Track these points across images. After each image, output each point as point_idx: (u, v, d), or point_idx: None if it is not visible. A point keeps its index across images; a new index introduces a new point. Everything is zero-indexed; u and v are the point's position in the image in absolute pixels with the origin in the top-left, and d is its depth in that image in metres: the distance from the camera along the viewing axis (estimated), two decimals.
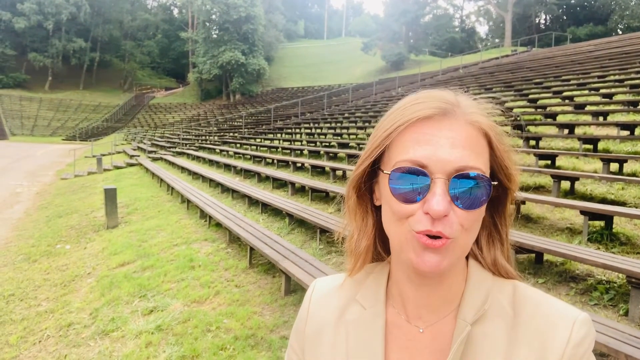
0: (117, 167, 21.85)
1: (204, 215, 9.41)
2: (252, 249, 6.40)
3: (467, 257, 0.74)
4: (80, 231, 10.00)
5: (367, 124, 17.79)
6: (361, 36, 66.67)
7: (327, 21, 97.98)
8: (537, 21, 57.60)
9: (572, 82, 15.41)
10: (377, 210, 0.76)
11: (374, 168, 0.73)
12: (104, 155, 25.46)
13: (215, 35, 53.20)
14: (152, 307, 5.25)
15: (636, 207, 5.85)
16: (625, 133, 8.86)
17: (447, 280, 0.71)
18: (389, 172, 0.67)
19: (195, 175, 15.46)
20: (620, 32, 42.58)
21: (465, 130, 0.66)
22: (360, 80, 44.81)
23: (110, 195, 10.01)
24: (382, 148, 0.70)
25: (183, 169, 17.45)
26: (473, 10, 71.61)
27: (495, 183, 0.69)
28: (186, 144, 25.99)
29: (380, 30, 54.02)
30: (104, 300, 5.71)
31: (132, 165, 22.12)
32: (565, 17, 54.21)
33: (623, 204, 6.14)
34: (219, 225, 8.44)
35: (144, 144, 30.07)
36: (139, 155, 24.25)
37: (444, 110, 0.67)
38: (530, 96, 14.59)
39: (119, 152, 28.62)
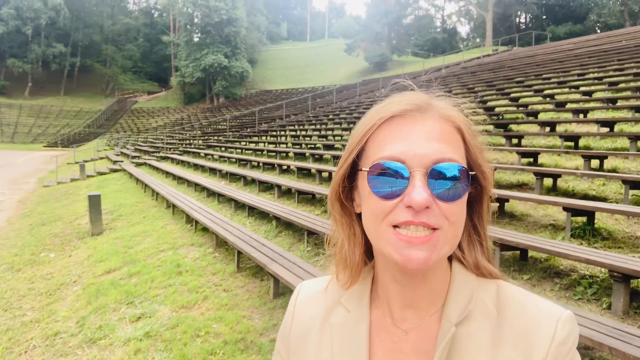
0: (101, 173, 21.61)
1: (190, 220, 9.36)
2: (239, 252, 6.38)
3: (450, 260, 0.75)
4: (64, 239, 9.88)
5: (351, 125, 17.85)
6: (344, 37, 66.78)
7: (309, 23, 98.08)
8: (517, 20, 58.34)
9: (552, 80, 15.64)
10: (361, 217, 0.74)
11: (354, 171, 0.73)
12: (86, 161, 25.18)
13: (197, 39, 52.96)
14: (139, 314, 5.21)
15: (617, 203, 5.96)
16: (605, 130, 9.02)
17: (431, 279, 0.71)
18: (367, 170, 0.67)
19: (180, 179, 15.36)
20: (598, 31, 43.33)
21: (439, 125, 0.68)
22: (344, 81, 44.93)
23: (95, 202, 9.90)
24: (359, 148, 0.71)
25: (167, 173, 17.32)
26: (454, 11, 72.29)
27: (473, 173, 0.69)
28: (170, 149, 25.81)
29: (362, 32, 54.22)
30: (90, 308, 5.65)
31: (115, 171, 21.90)
32: (544, 17, 54.99)
33: (604, 199, 6.26)
34: (205, 229, 8.40)
35: (127, 149, 29.79)
36: (122, 161, 24.00)
37: (417, 106, 0.69)
38: (512, 95, 14.78)
39: (102, 158, 28.31)
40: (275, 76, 61.40)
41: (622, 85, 12.22)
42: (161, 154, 24.21)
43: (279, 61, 67.57)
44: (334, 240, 0.80)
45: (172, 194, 11.77)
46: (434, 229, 0.64)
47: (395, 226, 0.65)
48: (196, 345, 4.31)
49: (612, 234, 5.29)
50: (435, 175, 0.64)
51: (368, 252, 0.78)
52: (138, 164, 22.30)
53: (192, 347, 4.30)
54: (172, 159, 21.82)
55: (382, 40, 51.94)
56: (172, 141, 29.56)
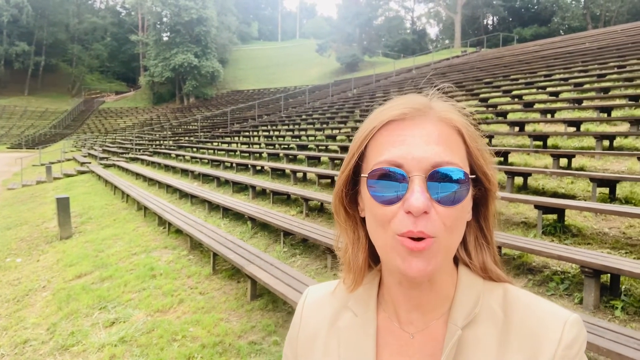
0: (68, 175, 21.06)
1: (162, 222, 9.22)
2: (215, 254, 6.31)
3: (456, 263, 0.75)
4: (31, 243, 9.59)
5: (324, 126, 17.90)
6: (315, 38, 66.83)
7: (280, 23, 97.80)
8: (485, 22, 59.47)
9: (520, 81, 16.00)
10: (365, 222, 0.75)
11: (356, 177, 0.73)
12: (53, 163, 24.49)
13: (166, 38, 52.10)
14: (113, 319, 5.10)
15: (585, 200, 6.14)
16: (572, 129, 9.28)
17: (437, 283, 0.71)
18: (366, 175, 0.67)
19: (151, 181, 15.11)
20: (562, 33, 44.55)
21: (438, 128, 0.67)
22: (316, 81, 44.97)
23: (63, 205, 9.64)
24: (359, 153, 0.71)
25: (138, 175, 17.01)
26: (423, 12, 73.24)
27: (474, 176, 0.69)
28: (140, 150, 25.36)
29: (334, 32, 54.37)
30: (61, 314, 5.49)
31: (83, 172, 21.38)
32: (511, 19, 56.19)
33: (573, 197, 6.44)
34: (179, 232, 8.29)
35: (95, 150, 29.12)
36: (90, 162, 23.46)
37: (416, 110, 0.68)
38: (481, 95, 15.06)
39: (68, 160, 27.59)
40: (246, 76, 60.99)
41: (586, 86, 12.60)
42: (130, 155, 23.76)
43: (250, 61, 67.16)
44: (340, 244, 0.80)
45: (143, 195, 11.56)
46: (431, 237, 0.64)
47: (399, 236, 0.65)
48: (173, 350, 4.25)
49: (581, 230, 5.45)
50: (434, 179, 0.64)
51: (374, 256, 0.78)
52: (107, 166, 21.83)
53: (169, 351, 4.23)
54: (142, 160, 21.43)
55: (354, 41, 52.20)
56: (141, 142, 29.03)
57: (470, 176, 0.67)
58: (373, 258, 0.79)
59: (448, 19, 58.72)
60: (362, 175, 0.70)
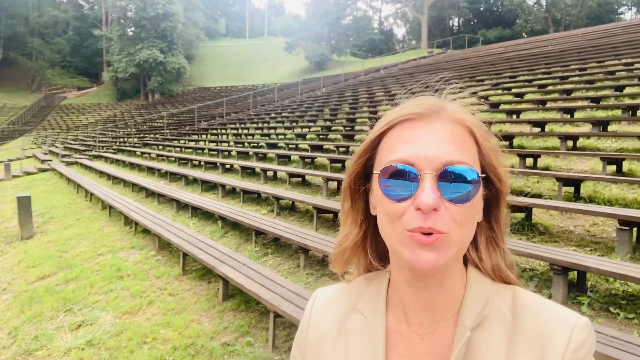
0: (28, 173, 20.31)
1: (128, 221, 9.00)
2: (185, 254, 6.20)
3: (466, 264, 0.75)
4: None
5: (294, 124, 17.83)
6: (284, 36, 66.46)
7: (248, 20, 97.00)
8: (450, 24, 60.50)
9: (486, 82, 16.32)
10: (373, 219, 0.76)
11: (368, 174, 0.74)
12: (11, 160, 23.53)
13: (131, 33, 50.87)
14: (79, 322, 4.93)
15: (551, 199, 6.31)
16: (537, 130, 9.52)
17: (446, 283, 0.71)
18: (378, 172, 0.68)
19: (115, 179, 14.74)
20: (525, 35, 45.78)
21: (450, 128, 0.68)
22: (284, 79, 44.79)
23: (24, 204, 9.28)
24: (371, 151, 0.73)
25: (102, 173, 16.57)
26: (391, 13, 74.05)
27: (484, 176, 0.69)
28: (103, 147, 24.71)
29: (302, 31, 54.29)
30: (24, 317, 5.28)
31: (44, 170, 20.66)
32: (476, 21, 57.36)
33: (539, 196, 6.61)
34: (146, 231, 8.11)
35: (56, 147, 28.20)
36: (51, 160, 22.71)
37: (428, 110, 0.69)
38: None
39: (28, 157, 26.60)
40: (213, 73, 60.20)
41: (550, 87, 12.96)
42: (94, 153, 23.13)
43: (217, 58, 66.31)
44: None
45: (108, 194, 11.26)
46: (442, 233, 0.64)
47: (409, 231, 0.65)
48: (143, 353, 4.14)
49: (547, 228, 5.59)
50: (444, 177, 0.64)
51: (381, 256, 0.80)
52: (69, 163, 21.17)
53: (139, 354, 4.12)
54: (106, 158, 20.90)
55: (322, 39, 52.28)
56: (105, 139, 28.30)
57: (481, 175, 0.68)
58: (380, 259, 0.81)
59: (415, 20, 59.46)
60: (374, 172, 0.71)
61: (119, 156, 20.19)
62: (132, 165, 17.01)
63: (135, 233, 8.44)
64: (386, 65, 31.68)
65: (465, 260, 0.75)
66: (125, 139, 26.77)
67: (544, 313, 0.70)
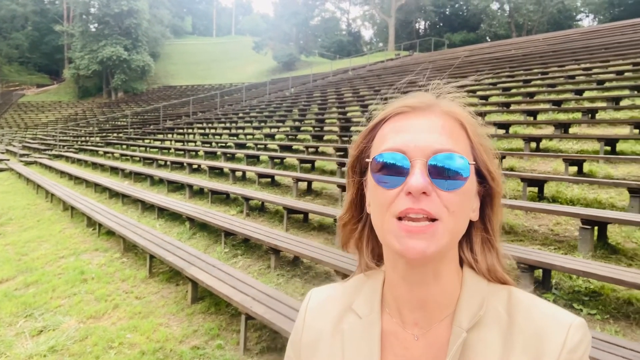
0: None
1: (92, 223, 8.74)
2: (152, 256, 6.06)
3: (461, 265, 0.74)
4: None
5: (263, 124, 17.72)
6: (252, 35, 65.97)
7: (215, 18, 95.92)
8: (417, 27, 61.33)
9: (452, 84, 16.59)
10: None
11: (363, 169, 0.75)
12: None
13: (94, 29, 49.50)
14: (41, 327, 4.74)
15: (516, 199, 6.45)
16: (502, 132, 9.74)
17: (442, 279, 0.70)
18: (370, 160, 0.69)
19: (77, 179, 14.31)
20: (489, 39, 46.85)
21: (441, 119, 0.69)
22: (252, 79, 44.48)
23: None
24: (366, 142, 0.74)
25: (63, 173, 16.07)
26: (359, 15, 74.56)
27: (475, 164, 0.70)
28: (64, 146, 23.98)
29: (270, 30, 54.08)
30: None
31: (1, 170, 19.89)
32: (442, 24, 58.37)
33: (504, 196, 6.71)
34: (110, 233, 7.89)
35: (14, 146, 27.21)
36: (8, 160, 21.89)
37: (422, 104, 0.71)
38: None
39: None
40: (179, 71, 59.20)
41: (513, 90, 13.29)
42: (54, 152, 22.41)
43: (183, 56, 65.24)
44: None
45: (69, 195, 10.92)
46: (434, 219, 0.64)
47: (399, 219, 0.65)
48: (110, 358, 4.02)
49: (513, 228, 5.71)
50: (435, 164, 0.65)
51: (380, 258, 0.79)
52: (28, 163, 20.46)
53: (105, 359, 3.99)
54: (67, 158, 20.27)
55: (290, 40, 52.20)
56: (66, 138, 27.48)
57: (471, 163, 0.68)
58: (379, 259, 0.80)
59: (382, 23, 60.01)
60: (367, 160, 0.72)
61: (81, 156, 19.64)
62: (95, 165, 16.56)
63: (99, 235, 8.20)
64: (354, 67, 31.87)
65: (461, 261, 0.74)
66: (88, 138, 26.07)
67: (539, 313, 0.69)
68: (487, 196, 0.74)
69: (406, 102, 0.72)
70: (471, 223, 0.73)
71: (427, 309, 0.72)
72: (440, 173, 0.65)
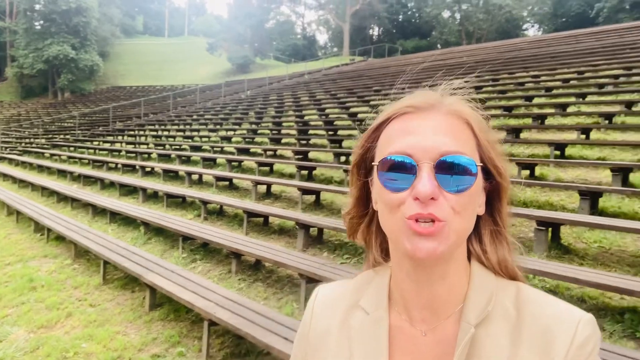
0: None
1: (39, 228, 8.35)
2: (106, 262, 5.84)
3: (469, 259, 0.74)
4: None
5: (218, 127, 17.47)
6: (205, 36, 65.01)
7: (168, 18, 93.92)
8: (371, 33, 62.20)
9: (406, 90, 16.83)
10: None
11: (368, 169, 0.75)
12: None
13: (39, 27, 47.40)
14: None
15: None
16: None
17: (449, 277, 0.70)
18: (377, 164, 0.69)
19: (22, 182, 13.66)
20: (440, 46, 48.11)
21: (447, 119, 0.69)
22: (206, 81, 43.79)
23: None
24: (371, 142, 0.74)
25: (6, 176, 15.31)
26: (314, 19, 74.88)
27: (482, 165, 0.70)
28: (7, 148, 22.87)
29: (225, 32, 53.47)
30: None
31: None
32: (395, 31, 59.39)
33: None
34: (60, 238, 7.56)
35: None
36: None
37: (426, 104, 0.71)
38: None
39: None
40: (130, 71, 57.52)
41: (466, 96, 13.65)
42: None
43: (134, 56, 63.45)
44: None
45: (14, 199, 10.41)
46: (441, 221, 0.64)
47: (408, 219, 0.65)
48: None
49: None
50: (442, 167, 0.65)
51: (387, 253, 0.78)
52: None
53: None
54: (10, 160, 19.33)
55: (245, 42, 51.76)
56: (8, 140, 26.15)
57: (478, 164, 0.68)
58: (384, 252, 0.80)
59: (337, 28, 60.50)
60: (372, 163, 0.72)
61: (26, 158, 18.74)
62: (41, 168, 15.83)
63: (47, 240, 7.85)
64: (310, 71, 31.94)
65: (469, 255, 0.74)
66: (32, 140, 24.92)
67: (548, 309, 0.70)
68: (494, 191, 0.74)
69: (410, 101, 0.72)
70: (478, 217, 0.72)
71: (434, 307, 0.72)
72: (447, 176, 0.65)
